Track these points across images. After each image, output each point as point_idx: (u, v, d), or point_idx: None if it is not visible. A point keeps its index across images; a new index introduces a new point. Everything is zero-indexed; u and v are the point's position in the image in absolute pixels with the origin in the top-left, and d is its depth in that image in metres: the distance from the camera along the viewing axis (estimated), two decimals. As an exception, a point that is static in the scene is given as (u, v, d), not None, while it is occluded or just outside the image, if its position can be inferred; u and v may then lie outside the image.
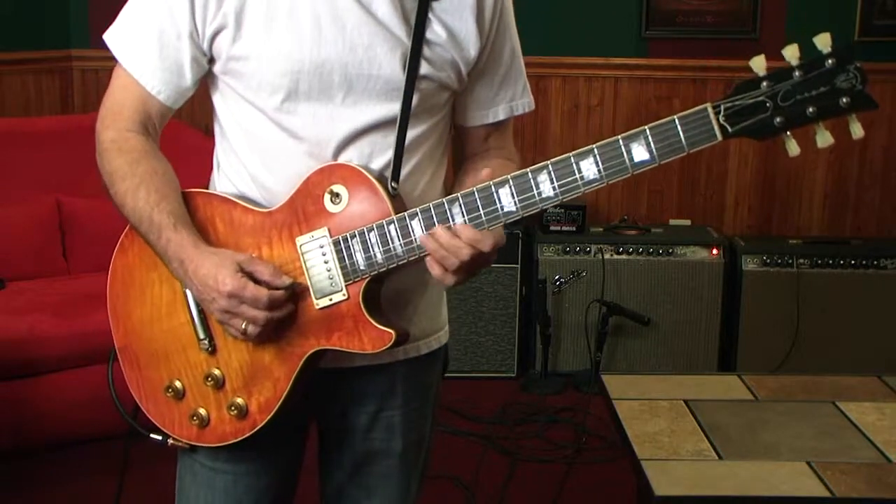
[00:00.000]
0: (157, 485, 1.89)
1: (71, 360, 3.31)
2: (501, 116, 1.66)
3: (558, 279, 4.05)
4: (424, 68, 1.52)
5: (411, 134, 1.54)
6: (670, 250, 4.09)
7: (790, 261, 4.07)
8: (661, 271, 4.09)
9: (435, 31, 1.52)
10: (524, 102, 1.68)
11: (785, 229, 4.47)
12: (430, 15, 1.52)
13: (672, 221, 4.44)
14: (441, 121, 1.61)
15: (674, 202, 4.49)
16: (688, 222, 4.43)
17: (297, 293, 1.49)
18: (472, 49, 1.56)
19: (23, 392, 3.30)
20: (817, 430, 2.29)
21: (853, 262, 4.07)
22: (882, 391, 2.53)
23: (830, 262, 4.07)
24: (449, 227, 1.43)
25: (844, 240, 4.24)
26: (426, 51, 1.51)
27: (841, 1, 4.27)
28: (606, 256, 4.08)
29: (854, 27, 4.27)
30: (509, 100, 1.66)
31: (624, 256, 4.09)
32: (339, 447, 1.71)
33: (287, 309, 1.48)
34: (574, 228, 4.12)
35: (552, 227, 4.13)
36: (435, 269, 1.45)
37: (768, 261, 4.08)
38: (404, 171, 1.54)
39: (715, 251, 4.10)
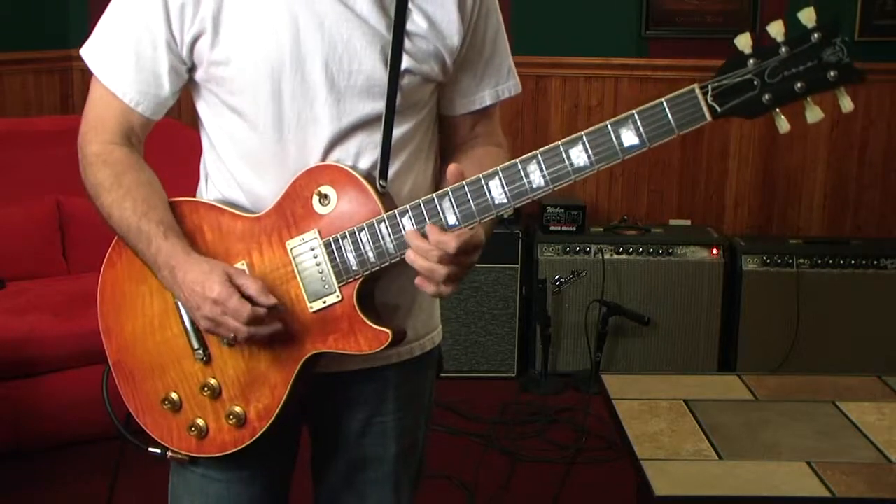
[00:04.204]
0: (154, 487, 1.89)
1: (70, 360, 3.31)
2: (488, 102, 1.63)
3: (558, 279, 4.05)
4: (406, 62, 1.49)
5: (398, 131, 1.51)
6: (670, 250, 4.09)
7: (790, 261, 4.07)
8: (661, 271, 4.08)
9: (416, 22, 1.49)
10: (510, 86, 1.64)
11: (785, 229, 4.47)
12: (410, 5, 1.49)
13: (672, 221, 4.44)
14: (427, 115, 1.58)
15: (674, 202, 4.49)
16: (688, 222, 4.43)
17: (283, 312, 1.47)
18: (456, 37, 1.52)
19: (22, 392, 3.30)
20: (817, 430, 2.29)
21: (853, 262, 4.07)
22: (882, 391, 2.52)
23: (830, 262, 4.07)
24: (423, 233, 1.40)
25: (844, 240, 4.24)
26: (407, 44, 1.49)
27: (841, 1, 4.27)
28: (606, 256, 4.07)
29: (854, 27, 4.26)
30: (494, 85, 1.62)
31: (624, 256, 4.09)
32: (332, 453, 1.70)
33: (272, 328, 1.46)
34: (574, 228, 4.12)
35: (552, 227, 4.12)
36: (427, 287, 1.41)
37: (768, 261, 4.08)
38: (392, 169, 1.52)
39: (715, 251, 4.09)
